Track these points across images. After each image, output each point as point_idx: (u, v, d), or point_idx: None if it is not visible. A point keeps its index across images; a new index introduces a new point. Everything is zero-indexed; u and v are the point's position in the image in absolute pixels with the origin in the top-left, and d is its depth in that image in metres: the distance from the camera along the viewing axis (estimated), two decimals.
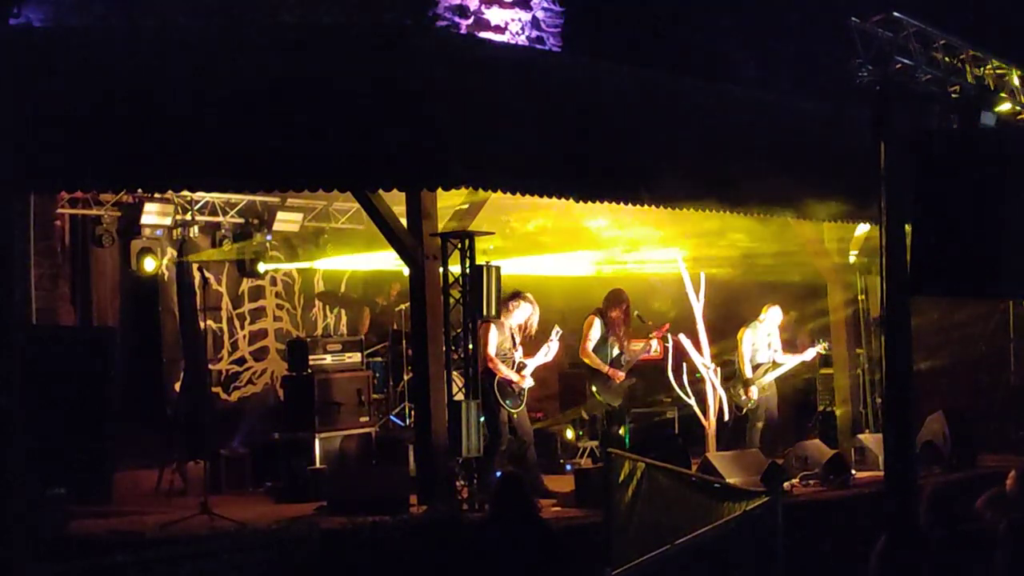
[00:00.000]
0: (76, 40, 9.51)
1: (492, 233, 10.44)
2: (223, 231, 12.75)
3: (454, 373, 9.58)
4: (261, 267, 12.89)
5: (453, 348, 9.61)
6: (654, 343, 11.71)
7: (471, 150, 9.08)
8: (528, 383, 10.57)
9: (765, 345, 12.21)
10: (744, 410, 12.00)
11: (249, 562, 7.65)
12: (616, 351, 11.46)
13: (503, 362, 10.41)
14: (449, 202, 10.06)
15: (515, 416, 10.44)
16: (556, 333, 10.87)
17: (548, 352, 10.86)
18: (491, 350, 10.32)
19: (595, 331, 11.36)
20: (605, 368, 11.38)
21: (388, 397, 12.54)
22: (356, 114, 8.82)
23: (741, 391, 11.98)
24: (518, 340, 10.66)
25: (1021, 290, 8.59)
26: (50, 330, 10.76)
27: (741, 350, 12.13)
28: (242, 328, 13.15)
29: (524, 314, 10.65)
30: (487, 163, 9.20)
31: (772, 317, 12.28)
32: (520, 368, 10.54)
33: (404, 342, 12.27)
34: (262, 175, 9.08)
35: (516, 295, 10.62)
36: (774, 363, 12.24)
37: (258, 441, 11.36)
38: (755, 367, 12.13)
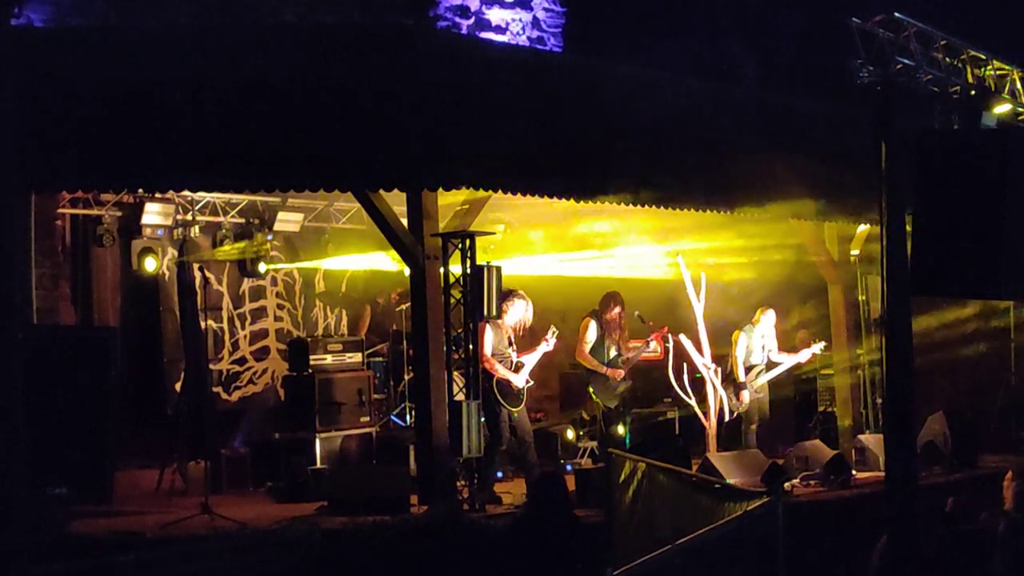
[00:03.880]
0: (76, 40, 9.52)
1: (493, 233, 10.44)
2: (224, 231, 12.74)
3: (455, 373, 9.58)
4: (262, 267, 12.90)
5: (454, 348, 9.61)
6: (652, 343, 11.71)
7: (471, 150, 9.08)
8: (522, 381, 10.50)
9: (759, 348, 12.19)
10: (735, 413, 11.97)
11: (249, 562, 7.66)
12: (613, 352, 11.47)
13: (500, 362, 10.41)
14: (450, 199, 10.07)
15: (515, 416, 10.43)
16: (552, 333, 10.87)
17: (544, 350, 10.86)
18: (487, 350, 10.30)
19: (591, 333, 11.38)
20: (602, 368, 11.37)
21: (389, 397, 12.55)
22: (356, 114, 8.81)
23: (732, 395, 11.95)
24: (513, 339, 10.65)
25: (1021, 291, 8.57)
26: (50, 330, 10.75)
27: (734, 353, 12.11)
28: (243, 328, 13.15)
29: (519, 312, 10.64)
30: (487, 163, 9.21)
31: (767, 320, 12.27)
32: (518, 368, 10.54)
33: (405, 342, 12.28)
34: (262, 175, 9.09)
35: (509, 294, 10.58)
36: (769, 364, 12.23)
37: (259, 441, 11.37)
38: (747, 369, 12.11)
